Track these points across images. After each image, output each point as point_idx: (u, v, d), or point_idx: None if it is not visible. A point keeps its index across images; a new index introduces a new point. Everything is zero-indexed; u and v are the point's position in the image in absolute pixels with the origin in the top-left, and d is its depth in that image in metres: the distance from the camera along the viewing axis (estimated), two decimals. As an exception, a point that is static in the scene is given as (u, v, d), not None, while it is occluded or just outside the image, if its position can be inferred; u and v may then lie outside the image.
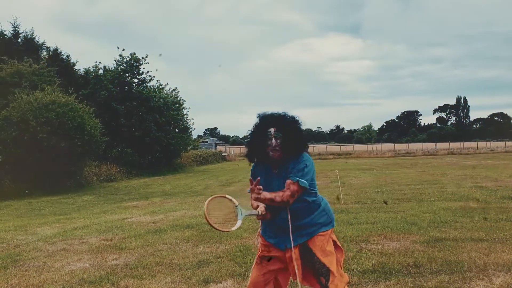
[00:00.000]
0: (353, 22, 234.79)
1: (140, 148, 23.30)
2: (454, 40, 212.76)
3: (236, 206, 2.62)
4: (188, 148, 29.29)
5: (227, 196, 2.69)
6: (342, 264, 2.95)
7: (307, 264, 2.82)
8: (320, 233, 2.83)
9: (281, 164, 2.76)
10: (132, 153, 22.86)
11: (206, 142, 57.12)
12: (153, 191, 14.39)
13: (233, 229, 2.54)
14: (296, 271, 2.77)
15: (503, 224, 6.64)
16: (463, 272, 4.38)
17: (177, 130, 26.54)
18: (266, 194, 2.57)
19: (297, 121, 2.84)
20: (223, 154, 42.81)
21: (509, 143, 63.93)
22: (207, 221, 2.49)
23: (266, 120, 2.77)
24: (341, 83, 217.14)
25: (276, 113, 2.82)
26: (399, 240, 5.88)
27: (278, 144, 2.69)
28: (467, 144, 61.04)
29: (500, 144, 61.53)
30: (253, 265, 2.98)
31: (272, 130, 2.71)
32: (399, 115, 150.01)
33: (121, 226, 7.60)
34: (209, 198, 2.62)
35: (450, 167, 22.07)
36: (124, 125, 23.18)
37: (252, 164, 2.94)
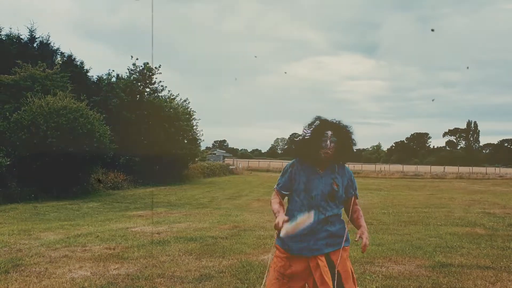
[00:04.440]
0: (369, 42, 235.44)
1: (148, 157, 23.34)
2: (468, 65, 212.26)
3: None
4: (196, 159, 29.29)
5: None
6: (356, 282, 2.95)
7: (322, 277, 2.78)
8: (344, 247, 2.89)
9: (327, 166, 2.92)
10: (139, 162, 22.90)
11: (214, 154, 57.15)
12: (159, 201, 14.38)
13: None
14: (326, 278, 2.74)
15: (510, 253, 6.53)
16: (468, 300, 4.31)
17: (185, 141, 26.60)
18: (365, 226, 2.97)
19: (350, 130, 2.99)
20: (230, 167, 42.75)
21: (518, 170, 63.30)
22: None
23: (325, 124, 2.92)
24: (352, 101, 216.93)
25: (333, 120, 2.98)
26: (404, 264, 5.80)
27: (332, 147, 2.84)
28: (476, 169, 60.55)
29: (510, 170, 60.91)
30: (269, 280, 2.92)
31: (329, 133, 2.86)
32: (409, 136, 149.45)
33: (124, 235, 7.58)
34: None
35: (458, 192, 21.88)
36: (133, 134, 23.28)
37: (291, 162, 3.06)
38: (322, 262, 2.77)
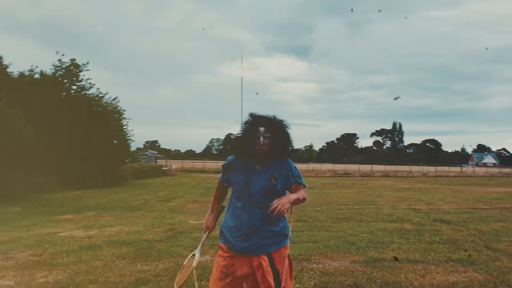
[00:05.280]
0: (302, 44, 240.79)
1: (75, 158, 22.29)
2: (392, 69, 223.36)
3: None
4: (127, 160, 28.40)
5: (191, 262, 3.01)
6: (293, 279, 2.93)
7: (264, 276, 2.75)
8: (285, 246, 2.85)
9: (266, 162, 2.86)
10: (66, 163, 21.82)
11: (146, 155, 55.85)
12: (88, 204, 13.74)
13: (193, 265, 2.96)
14: (268, 277, 2.71)
15: (436, 246, 6.87)
16: (401, 293, 4.45)
17: (115, 141, 25.68)
18: (292, 196, 2.78)
19: (285, 124, 2.95)
20: (163, 168, 41.88)
21: (439, 168, 67.50)
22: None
23: (257, 119, 2.88)
24: (286, 103, 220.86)
25: (267, 115, 2.92)
26: (339, 260, 5.92)
27: (266, 143, 2.80)
28: (401, 168, 63.79)
29: (431, 169, 64.80)
30: (212, 279, 2.89)
31: (261, 129, 2.82)
32: (339, 136, 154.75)
33: (52, 240, 7.14)
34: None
35: (386, 189, 22.85)
36: (59, 133, 22.12)
37: (230, 158, 3.02)
38: (265, 261, 2.75)
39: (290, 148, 2.94)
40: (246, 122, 2.90)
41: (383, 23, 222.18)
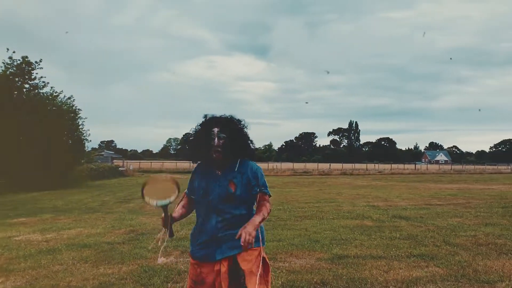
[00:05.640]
0: (261, 44, 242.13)
1: (29, 160, 21.46)
2: (349, 69, 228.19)
3: (168, 201, 2.65)
4: (82, 161, 27.61)
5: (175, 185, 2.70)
6: (269, 284, 2.77)
7: (234, 280, 2.65)
8: (251, 248, 2.66)
9: (225, 166, 2.73)
10: (19, 165, 20.97)
11: (102, 155, 54.52)
12: (43, 206, 13.25)
13: (146, 198, 2.64)
14: (223, 284, 2.62)
15: (397, 242, 7.03)
16: (367, 289, 4.52)
17: (70, 141, 24.90)
18: (256, 220, 2.60)
19: (242, 124, 2.80)
20: (120, 168, 41.01)
21: (394, 165, 69.46)
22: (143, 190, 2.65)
23: (211, 121, 2.74)
24: (245, 102, 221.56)
25: (222, 115, 2.78)
26: (305, 258, 5.96)
27: (221, 144, 2.65)
28: (358, 166, 65.20)
29: (387, 166, 66.52)
30: None
31: (215, 130, 2.68)
32: (297, 136, 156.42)
33: (7, 245, 6.81)
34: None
35: (344, 187, 23.26)
36: (10, 133, 21.23)
37: (195, 166, 2.89)
38: (224, 267, 2.65)
39: (249, 148, 2.79)
40: (200, 124, 2.77)
41: (341, 24, 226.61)
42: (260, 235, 2.69)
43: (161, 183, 2.70)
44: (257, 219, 2.60)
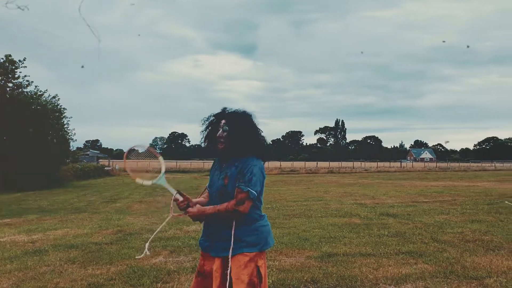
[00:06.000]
0: (247, 42, 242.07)
1: (13, 160, 21.15)
2: (336, 67, 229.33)
3: (162, 173, 2.74)
4: (67, 161, 27.29)
5: (160, 159, 2.81)
6: None
7: (223, 283, 2.59)
8: (243, 253, 2.59)
9: (229, 159, 2.70)
10: (3, 165, 20.65)
11: (87, 155, 54.05)
12: (28, 207, 13.05)
13: (139, 181, 2.69)
14: (214, 281, 2.59)
15: (385, 240, 7.06)
16: (357, 287, 4.53)
17: (55, 141, 24.58)
18: (206, 209, 2.61)
19: (251, 120, 2.74)
20: (106, 168, 40.63)
21: (380, 163, 69.97)
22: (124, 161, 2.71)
23: (222, 113, 2.75)
24: (232, 101, 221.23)
25: (236, 109, 2.76)
26: (294, 256, 5.95)
27: (223, 136, 2.65)
28: (344, 164, 65.59)
29: (373, 164, 67.05)
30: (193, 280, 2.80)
31: (223, 121, 2.69)
32: (284, 134, 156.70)
33: (-9, 246, 6.69)
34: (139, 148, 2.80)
35: (331, 185, 23.35)
36: (-6, 134, 20.94)
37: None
38: (216, 265, 2.62)
39: (253, 145, 2.66)
40: (212, 115, 2.78)
41: (326, 22, 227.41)
42: (247, 240, 2.62)
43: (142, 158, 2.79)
44: (207, 209, 2.62)
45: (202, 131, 2.79)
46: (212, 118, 2.77)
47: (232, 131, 2.62)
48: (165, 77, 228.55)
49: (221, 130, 2.65)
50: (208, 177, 2.88)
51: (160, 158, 2.82)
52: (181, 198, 2.67)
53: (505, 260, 5.61)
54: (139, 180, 2.70)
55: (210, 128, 2.75)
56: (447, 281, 4.71)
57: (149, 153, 2.84)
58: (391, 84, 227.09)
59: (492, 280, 4.70)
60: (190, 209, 2.63)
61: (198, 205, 2.65)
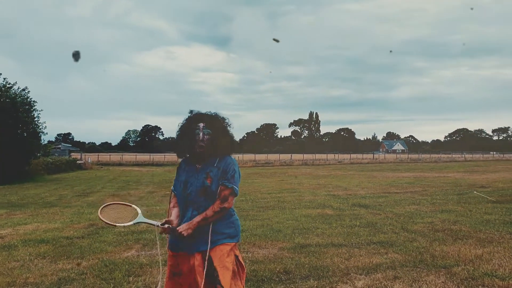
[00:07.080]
0: (221, 34, 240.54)
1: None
2: (309, 60, 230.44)
3: (138, 213, 2.83)
4: (38, 154, 26.75)
5: (133, 205, 2.90)
6: (244, 281, 2.84)
7: (208, 276, 2.65)
8: (224, 243, 2.73)
9: (205, 160, 2.80)
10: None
11: (59, 148, 53.03)
12: (-3, 202, 12.76)
13: (117, 224, 2.73)
14: (198, 278, 2.64)
15: (357, 230, 7.18)
16: (329, 277, 4.59)
17: (25, 134, 24.03)
18: (194, 220, 2.66)
19: (226, 122, 2.92)
20: (78, 162, 39.97)
21: (353, 155, 70.85)
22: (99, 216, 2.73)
23: (197, 116, 2.83)
24: (206, 93, 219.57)
25: (207, 112, 2.88)
26: (267, 248, 5.99)
27: (205, 139, 2.75)
28: (318, 156, 66.14)
29: (346, 156, 67.83)
30: (165, 280, 2.83)
31: (201, 125, 2.78)
32: (259, 127, 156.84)
33: (-43, 243, 6.52)
34: (111, 203, 2.87)
35: (305, 177, 23.56)
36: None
37: (180, 161, 2.98)
38: (197, 261, 2.68)
39: (232, 146, 2.90)
40: (186, 118, 2.86)
41: (300, 15, 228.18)
42: (227, 232, 2.76)
43: (116, 209, 2.88)
44: (196, 219, 2.68)
45: (178, 133, 2.87)
46: (188, 121, 2.85)
47: (215, 133, 2.78)
48: (138, 69, 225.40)
49: (201, 133, 2.75)
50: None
51: (132, 205, 2.92)
52: (165, 226, 2.70)
53: (473, 248, 5.78)
54: (119, 224, 2.75)
55: (186, 130, 2.81)
56: (417, 270, 4.82)
57: (120, 205, 2.94)
58: (364, 77, 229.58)
59: (460, 269, 4.84)
60: (179, 229, 2.64)
61: (183, 224, 2.67)
